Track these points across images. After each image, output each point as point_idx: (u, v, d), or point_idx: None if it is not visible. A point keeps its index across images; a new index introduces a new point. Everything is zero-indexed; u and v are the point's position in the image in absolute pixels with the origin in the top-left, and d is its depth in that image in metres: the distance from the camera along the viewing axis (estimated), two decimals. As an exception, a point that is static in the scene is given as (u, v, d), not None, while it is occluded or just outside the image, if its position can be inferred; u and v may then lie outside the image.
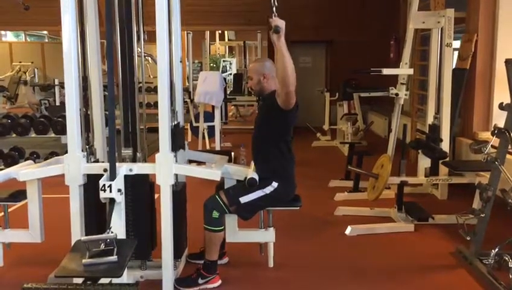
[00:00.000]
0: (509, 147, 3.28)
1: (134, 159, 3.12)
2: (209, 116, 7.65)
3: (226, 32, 15.31)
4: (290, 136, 3.18)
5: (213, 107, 7.32)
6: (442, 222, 4.22)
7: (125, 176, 2.88)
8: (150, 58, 11.04)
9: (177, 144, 3.13)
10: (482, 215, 3.32)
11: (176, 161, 3.06)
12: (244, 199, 3.08)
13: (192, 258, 3.49)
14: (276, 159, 3.16)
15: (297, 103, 3.03)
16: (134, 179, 2.97)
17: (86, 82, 3.18)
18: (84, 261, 2.14)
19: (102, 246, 2.22)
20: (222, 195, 3.09)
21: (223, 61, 17.19)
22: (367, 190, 4.72)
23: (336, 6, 10.18)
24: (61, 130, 5.93)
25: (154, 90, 8.84)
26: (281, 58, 2.71)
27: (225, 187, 3.20)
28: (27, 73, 12.98)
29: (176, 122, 3.23)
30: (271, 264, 3.39)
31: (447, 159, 4.85)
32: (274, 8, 2.74)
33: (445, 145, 4.94)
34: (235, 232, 3.26)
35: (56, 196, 3.67)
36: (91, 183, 2.93)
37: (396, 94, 4.82)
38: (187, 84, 10.18)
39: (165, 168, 2.93)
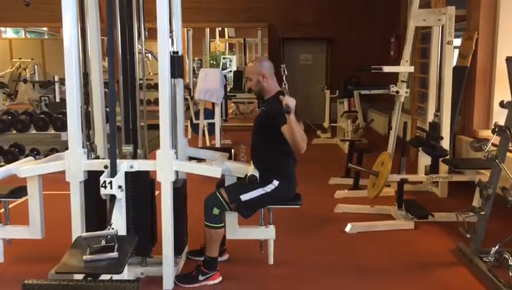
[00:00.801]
0: (510, 145, 3.29)
1: (135, 156, 3.12)
2: (209, 114, 7.64)
3: (226, 29, 15.29)
4: None
5: (213, 104, 7.31)
6: (442, 219, 4.22)
7: (126, 173, 2.89)
8: (150, 55, 11.02)
9: (176, 71, 3.10)
10: (482, 213, 3.32)
11: (177, 158, 3.06)
12: (244, 197, 3.08)
13: (193, 255, 3.49)
14: (277, 158, 3.16)
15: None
16: (135, 175, 2.97)
17: (87, 79, 3.18)
18: (84, 257, 2.15)
19: (103, 243, 2.23)
20: (223, 192, 3.09)
21: (223, 58, 17.16)
22: (367, 187, 4.73)
23: (337, 3, 10.18)
24: (62, 126, 5.93)
25: (155, 87, 8.85)
26: (292, 134, 2.84)
27: (226, 184, 3.21)
28: (27, 70, 12.96)
29: (174, 50, 3.16)
30: (271, 261, 3.39)
31: (447, 157, 4.85)
32: (284, 77, 2.77)
33: (445, 143, 4.94)
34: (235, 229, 3.27)
35: (57, 192, 3.68)
36: (92, 180, 2.93)
37: (397, 92, 4.82)
38: (187, 81, 10.17)
39: (166, 165, 2.94)
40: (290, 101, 2.76)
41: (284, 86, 2.75)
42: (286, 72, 2.79)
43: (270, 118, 3.04)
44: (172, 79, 3.12)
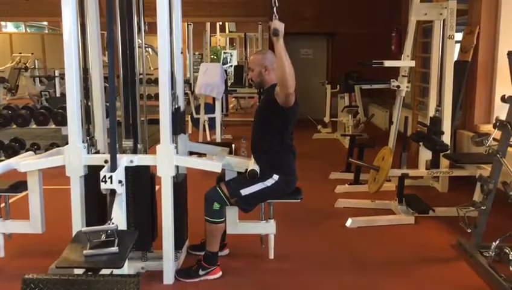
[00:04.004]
0: (511, 139, 3.28)
1: (135, 151, 3.12)
2: (209, 108, 7.63)
3: (226, 23, 15.27)
4: (290, 131, 3.17)
5: (214, 99, 7.30)
6: (443, 214, 4.22)
7: (126, 168, 2.88)
8: (150, 50, 11.01)
9: (178, 127, 3.11)
10: (482, 207, 3.32)
11: (177, 153, 3.06)
12: (245, 191, 3.07)
13: (193, 250, 3.49)
14: (277, 152, 3.15)
15: (296, 100, 3.02)
16: (135, 170, 2.97)
17: (87, 73, 3.17)
18: (85, 252, 2.15)
19: (103, 237, 2.23)
20: (223, 187, 3.09)
21: (224, 53, 17.14)
22: (368, 182, 4.72)
23: (337, -3, 10.14)
24: (62, 121, 5.92)
25: (155, 81, 8.84)
26: (280, 60, 2.73)
27: (226, 179, 3.20)
28: (27, 64, 12.97)
29: (176, 106, 3.20)
30: (271, 256, 3.39)
31: (448, 151, 4.84)
32: (275, 9, 2.73)
33: (446, 138, 4.93)
34: (235, 224, 3.27)
35: (57, 187, 3.68)
36: (92, 175, 2.93)
37: (398, 86, 4.80)
38: (188, 75, 10.15)
39: (166, 160, 2.93)
40: (278, 25, 2.66)
41: (274, 16, 2.70)
42: (277, 3, 2.74)
43: (270, 100, 3.04)
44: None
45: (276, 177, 3.11)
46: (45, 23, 17.69)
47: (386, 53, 8.37)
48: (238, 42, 17.24)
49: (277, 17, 2.70)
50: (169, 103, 2.94)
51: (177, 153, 3.04)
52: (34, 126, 6.18)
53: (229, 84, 10.04)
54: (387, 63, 4.72)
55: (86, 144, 2.98)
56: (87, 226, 2.89)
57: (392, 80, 4.84)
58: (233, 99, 12.08)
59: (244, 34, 13.05)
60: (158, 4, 2.83)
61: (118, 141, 2.95)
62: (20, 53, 13.60)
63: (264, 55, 3.21)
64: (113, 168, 2.73)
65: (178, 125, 3.14)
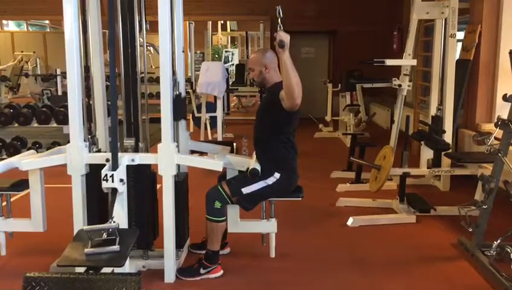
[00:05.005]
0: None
1: (136, 149, 3.12)
2: (211, 107, 7.64)
3: (228, 22, 15.24)
4: (293, 129, 3.16)
5: (215, 97, 7.30)
6: (444, 213, 4.22)
7: (128, 166, 2.88)
8: (151, 48, 11.00)
9: (178, 114, 3.11)
10: (484, 206, 3.31)
11: (178, 151, 3.06)
12: (246, 190, 3.08)
13: (194, 248, 3.50)
14: (278, 150, 3.15)
15: None
16: (137, 169, 2.97)
17: (88, 72, 3.17)
18: (86, 250, 2.15)
19: (105, 236, 2.24)
20: (224, 185, 3.09)
21: (225, 51, 17.11)
22: (369, 181, 4.72)
23: (339, -4, 10.12)
24: (63, 120, 5.93)
25: (156, 80, 8.83)
26: (286, 72, 2.72)
27: (227, 178, 3.21)
28: (29, 63, 12.97)
29: (177, 93, 3.20)
30: (273, 254, 3.39)
31: (450, 150, 4.84)
32: (279, 20, 2.73)
33: (448, 137, 4.93)
34: (237, 223, 3.27)
35: (58, 185, 3.69)
36: (93, 173, 2.94)
37: (399, 85, 4.80)
38: (189, 74, 10.15)
39: (167, 159, 2.94)
40: (283, 36, 2.65)
41: (279, 28, 2.69)
42: (282, 14, 2.71)
43: (273, 98, 3.02)
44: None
45: (277, 175, 3.11)
46: (47, 21, 17.68)
47: (388, 52, 8.37)
48: (239, 41, 17.19)
49: (282, 28, 2.68)
50: (170, 102, 2.94)
51: (178, 151, 3.04)
52: (36, 125, 6.19)
53: (230, 82, 10.02)
54: (389, 62, 4.72)
55: (87, 143, 2.98)
56: (88, 224, 2.90)
57: (393, 79, 4.84)
58: (235, 98, 12.07)
59: (246, 32, 13.03)
60: (159, 3, 2.83)
61: (120, 139, 2.95)
62: (22, 52, 13.60)
63: (264, 54, 3.20)
64: (115, 166, 2.73)
65: (178, 112, 3.13)
